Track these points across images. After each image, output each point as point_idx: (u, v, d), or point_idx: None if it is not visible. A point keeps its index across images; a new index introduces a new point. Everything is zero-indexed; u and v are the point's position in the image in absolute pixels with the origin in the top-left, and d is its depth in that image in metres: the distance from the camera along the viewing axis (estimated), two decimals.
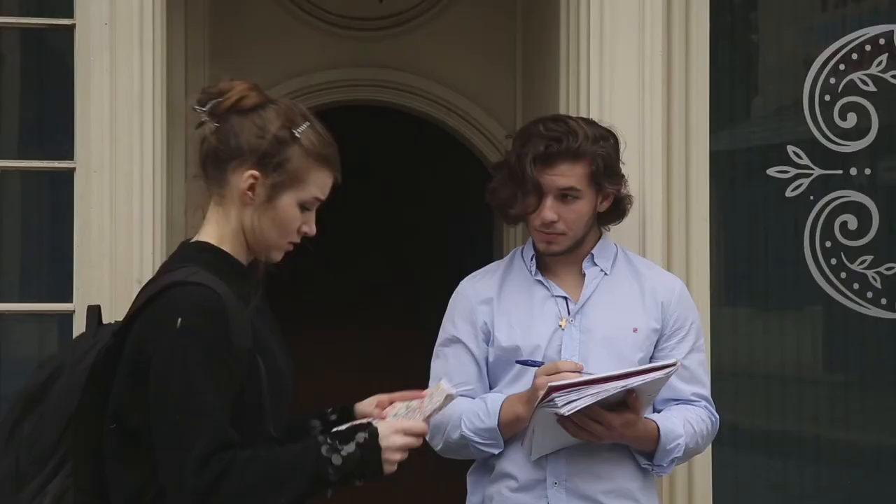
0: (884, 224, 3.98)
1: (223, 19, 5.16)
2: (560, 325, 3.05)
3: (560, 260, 3.13)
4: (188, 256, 2.41)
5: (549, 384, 2.77)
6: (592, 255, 3.13)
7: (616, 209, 3.16)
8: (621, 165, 3.14)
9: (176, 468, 2.23)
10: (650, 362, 3.05)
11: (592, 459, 2.98)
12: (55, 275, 3.59)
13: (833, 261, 3.97)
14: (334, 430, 2.45)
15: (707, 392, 3.14)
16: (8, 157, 3.64)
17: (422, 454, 2.56)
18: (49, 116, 3.67)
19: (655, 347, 3.10)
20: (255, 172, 2.38)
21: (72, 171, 3.46)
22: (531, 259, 3.14)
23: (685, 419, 3.04)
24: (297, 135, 2.40)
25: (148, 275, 3.32)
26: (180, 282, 2.31)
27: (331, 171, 2.45)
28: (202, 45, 4.92)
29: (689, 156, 3.73)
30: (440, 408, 2.48)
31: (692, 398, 3.11)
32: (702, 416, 3.09)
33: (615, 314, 3.08)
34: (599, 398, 2.77)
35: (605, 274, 3.12)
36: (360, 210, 7.55)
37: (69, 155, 3.47)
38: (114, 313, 3.35)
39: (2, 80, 3.79)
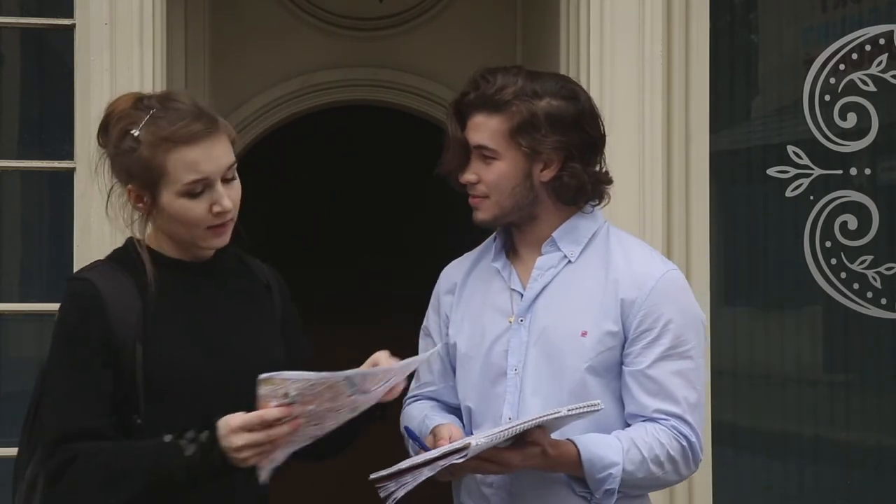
0: (884, 224, 3.98)
1: (223, 19, 5.16)
2: (510, 322, 2.63)
3: (524, 241, 2.68)
4: (111, 253, 2.50)
5: (371, 475, 2.38)
6: (554, 238, 2.64)
7: (569, 184, 2.61)
8: (585, 140, 2.65)
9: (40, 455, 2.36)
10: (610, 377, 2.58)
11: (535, 485, 2.56)
12: (55, 275, 3.59)
13: (833, 261, 3.97)
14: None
15: (682, 409, 2.56)
16: (8, 157, 3.64)
17: None
18: (49, 116, 3.67)
19: (623, 354, 2.59)
20: (130, 186, 2.40)
21: (72, 171, 3.46)
22: (498, 241, 2.71)
23: (632, 443, 2.51)
24: (136, 134, 2.36)
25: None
26: (70, 278, 2.47)
27: (190, 145, 2.35)
28: (202, 45, 4.92)
29: (689, 156, 3.73)
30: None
31: (655, 416, 2.55)
32: (661, 439, 2.53)
33: (567, 313, 2.59)
34: (408, 487, 2.34)
35: (570, 261, 2.63)
36: (359, 209, 7.56)
37: (69, 155, 3.48)
38: None
39: (2, 80, 3.79)
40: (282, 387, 2.20)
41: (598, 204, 2.69)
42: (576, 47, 3.68)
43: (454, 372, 2.73)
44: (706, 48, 3.77)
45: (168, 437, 2.27)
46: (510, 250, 2.70)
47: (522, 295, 2.63)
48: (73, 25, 3.48)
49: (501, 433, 2.35)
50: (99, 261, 2.48)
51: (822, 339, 4.16)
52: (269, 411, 2.21)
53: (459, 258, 2.83)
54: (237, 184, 2.43)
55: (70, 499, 2.30)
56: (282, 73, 5.30)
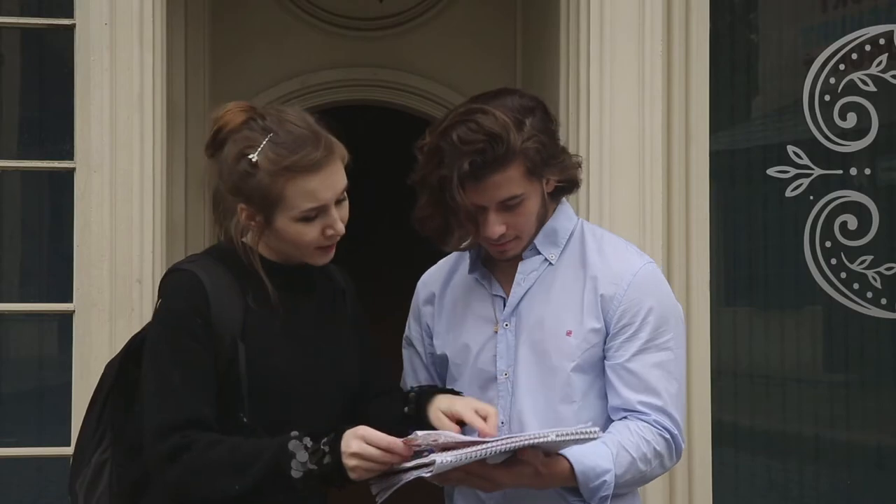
0: (884, 224, 3.98)
1: (223, 19, 5.16)
2: (495, 330, 2.64)
3: None
4: (209, 248, 2.52)
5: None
6: (535, 244, 2.64)
7: (566, 183, 2.65)
8: (558, 134, 2.63)
9: (144, 434, 2.35)
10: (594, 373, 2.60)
11: (530, 491, 2.53)
12: (55, 275, 3.59)
13: (833, 261, 3.97)
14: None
15: (664, 402, 2.57)
16: (8, 157, 3.64)
17: None
18: (49, 116, 3.67)
19: (605, 348, 2.61)
20: (243, 205, 2.41)
21: (72, 171, 3.46)
22: (473, 251, 2.71)
23: (619, 447, 2.51)
24: (255, 160, 2.35)
25: (148, 274, 3.34)
26: (172, 268, 2.46)
27: (310, 175, 2.36)
28: (202, 44, 4.92)
29: (689, 156, 3.74)
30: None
31: (639, 408, 2.56)
32: (645, 437, 2.54)
33: (551, 314, 2.61)
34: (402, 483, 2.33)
35: (550, 264, 2.64)
36: (360, 209, 7.56)
37: (69, 155, 3.47)
38: (114, 313, 3.37)
39: (2, 80, 3.79)
40: (435, 435, 2.27)
41: (571, 194, 2.71)
42: (576, 47, 3.68)
43: (442, 383, 2.73)
44: (706, 48, 3.77)
45: (295, 434, 2.28)
46: (485, 259, 2.70)
47: (505, 300, 2.64)
48: (73, 25, 3.48)
49: (472, 453, 2.31)
50: (197, 254, 2.50)
51: (822, 339, 4.16)
52: (398, 443, 2.24)
53: (434, 267, 2.84)
54: (346, 203, 2.45)
55: (185, 482, 2.30)
56: (282, 73, 5.31)
